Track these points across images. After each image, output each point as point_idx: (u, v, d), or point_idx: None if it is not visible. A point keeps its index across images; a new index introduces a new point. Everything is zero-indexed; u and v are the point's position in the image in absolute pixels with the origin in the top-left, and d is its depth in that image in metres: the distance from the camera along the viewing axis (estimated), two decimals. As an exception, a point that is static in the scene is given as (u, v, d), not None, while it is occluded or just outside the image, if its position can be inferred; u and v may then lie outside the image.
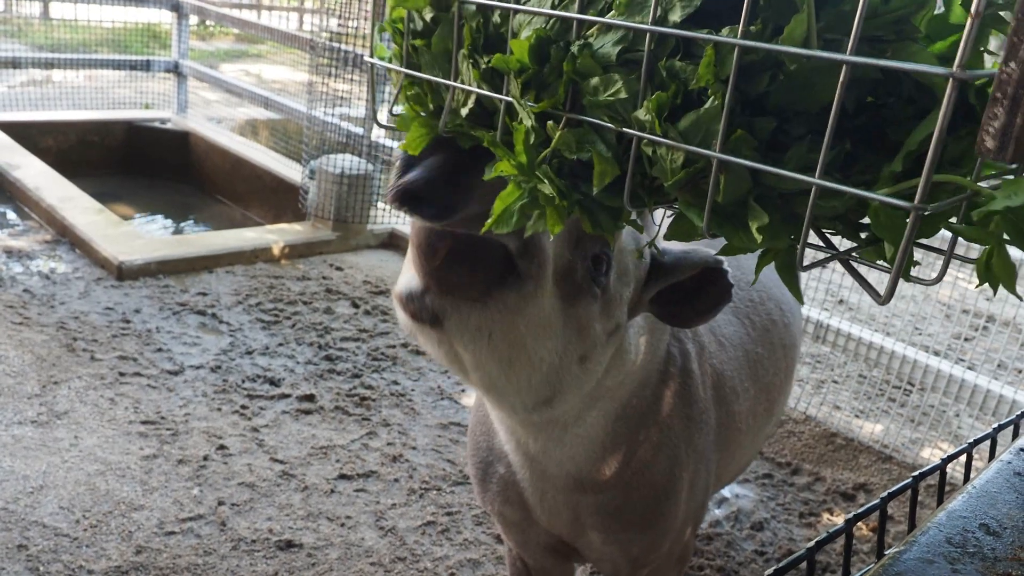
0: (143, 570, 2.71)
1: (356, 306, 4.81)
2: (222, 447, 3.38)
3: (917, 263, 0.68)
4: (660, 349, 1.61)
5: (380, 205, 6.00)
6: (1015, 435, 0.90)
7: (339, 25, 5.69)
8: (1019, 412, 0.89)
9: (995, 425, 0.82)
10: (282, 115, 7.34)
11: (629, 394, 1.56)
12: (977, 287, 0.64)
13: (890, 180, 0.62)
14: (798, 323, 2.37)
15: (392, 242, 5.89)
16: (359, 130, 5.98)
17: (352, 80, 5.72)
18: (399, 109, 0.94)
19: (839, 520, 3.40)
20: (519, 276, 1.12)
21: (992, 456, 0.85)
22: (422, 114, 0.87)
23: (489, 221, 0.78)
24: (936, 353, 4.48)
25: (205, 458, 3.30)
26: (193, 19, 9.26)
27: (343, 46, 5.67)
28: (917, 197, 0.57)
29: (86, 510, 2.94)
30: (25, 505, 2.92)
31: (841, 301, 5.44)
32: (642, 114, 0.67)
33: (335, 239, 5.62)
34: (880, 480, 3.70)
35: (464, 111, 0.81)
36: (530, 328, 1.17)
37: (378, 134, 6.00)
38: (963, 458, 0.84)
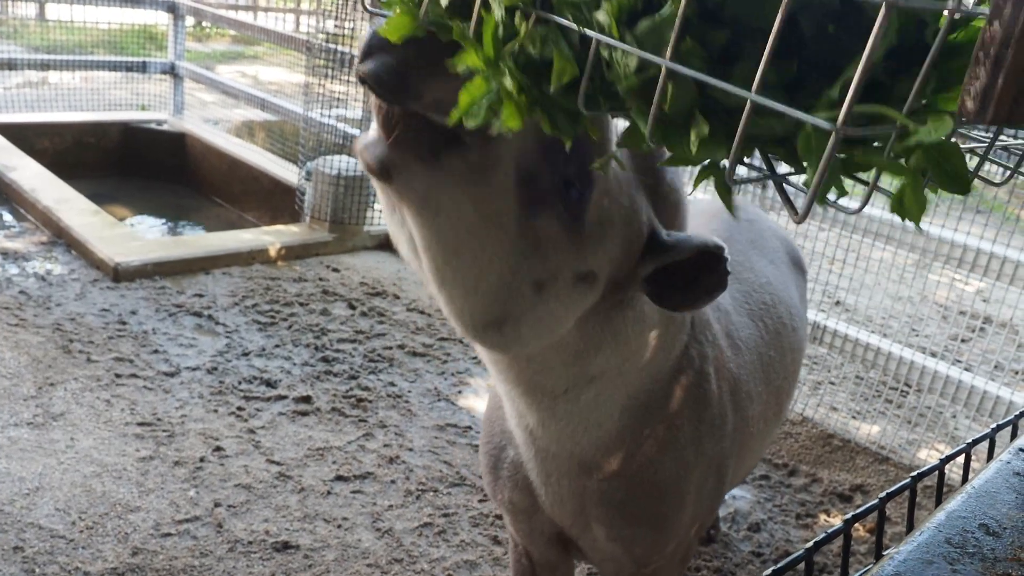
0: (139, 572, 2.70)
1: (353, 308, 4.81)
2: (218, 448, 3.37)
3: (845, 193, 0.68)
4: (675, 347, 1.58)
5: (377, 207, 5.99)
6: (1013, 435, 0.90)
7: (335, 26, 5.69)
8: (1017, 412, 0.89)
9: (993, 425, 0.82)
10: (278, 116, 7.34)
11: (637, 387, 1.55)
12: (891, 212, 0.64)
13: (827, 106, 0.61)
14: (804, 327, 2.37)
15: (389, 244, 5.89)
16: (356, 131, 5.97)
17: (349, 82, 5.71)
18: None
19: (836, 521, 3.41)
20: (464, 145, 1.08)
21: (991, 456, 0.85)
22: (406, 2, 0.87)
23: (455, 112, 0.78)
24: (933, 354, 4.48)
25: (201, 460, 3.29)
26: (189, 20, 9.26)
27: (339, 47, 5.67)
28: (839, 119, 0.56)
29: (82, 512, 2.94)
30: (21, 507, 2.91)
31: (838, 303, 5.44)
32: (601, 16, 0.67)
33: (332, 240, 5.61)
34: (877, 481, 3.70)
35: (445, 1, 0.80)
36: (477, 210, 1.12)
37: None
38: (961, 459, 0.84)
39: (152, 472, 3.19)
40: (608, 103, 0.73)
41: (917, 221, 0.63)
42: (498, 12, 0.73)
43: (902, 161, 0.63)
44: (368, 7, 0.97)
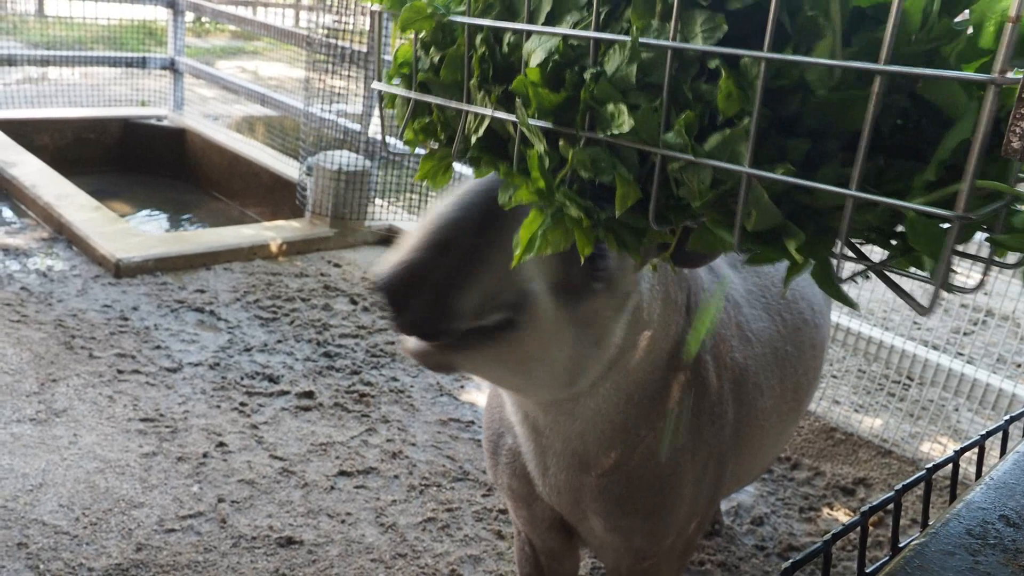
0: (143, 567, 2.70)
1: (354, 303, 4.80)
2: (221, 444, 3.37)
3: (955, 272, 0.68)
4: (672, 328, 1.58)
5: (378, 201, 5.99)
6: (1004, 441, 0.89)
7: (335, 21, 5.67)
8: (1007, 417, 0.89)
9: (1007, 417, 0.82)
10: (279, 112, 7.32)
11: (641, 375, 1.55)
12: None
13: (923, 190, 0.61)
14: (827, 324, 2.34)
15: (390, 238, 5.88)
16: (356, 126, 5.96)
17: (349, 77, 5.70)
18: (400, 143, 0.96)
19: (839, 515, 3.41)
20: (512, 325, 1.16)
21: (1004, 448, 0.85)
22: (434, 146, 0.87)
23: (518, 253, 0.79)
24: (935, 347, 4.48)
25: (204, 455, 3.29)
26: (189, 16, 9.24)
27: (339, 42, 5.65)
28: (958, 205, 0.56)
29: (86, 508, 2.93)
30: (24, 503, 2.91)
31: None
32: (671, 136, 0.66)
33: (333, 235, 5.61)
34: (880, 475, 3.70)
35: (475, 139, 0.81)
36: (539, 348, 1.22)
37: (375, 130, 5.98)
38: (972, 452, 0.83)
39: (155, 468, 3.19)
40: (678, 216, 0.72)
41: None
42: (540, 145, 0.73)
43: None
44: (392, 150, 0.98)
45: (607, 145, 0.70)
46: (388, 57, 1.03)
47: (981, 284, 0.66)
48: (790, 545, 3.18)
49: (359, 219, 5.72)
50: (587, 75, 0.68)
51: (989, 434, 0.78)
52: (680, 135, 0.64)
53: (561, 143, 0.72)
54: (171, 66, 8.12)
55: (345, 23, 5.63)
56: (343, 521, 3.03)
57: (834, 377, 4.50)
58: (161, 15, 8.65)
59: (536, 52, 0.71)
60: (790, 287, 2.10)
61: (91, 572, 2.66)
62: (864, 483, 3.63)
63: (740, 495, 3.44)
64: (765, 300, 2.00)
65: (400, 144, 0.96)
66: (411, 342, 1.17)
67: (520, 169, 0.76)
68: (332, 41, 5.65)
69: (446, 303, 0.98)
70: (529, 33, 0.74)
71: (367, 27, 5.76)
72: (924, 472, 0.72)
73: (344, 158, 5.64)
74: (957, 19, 0.63)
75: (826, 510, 3.43)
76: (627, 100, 0.68)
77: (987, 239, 0.64)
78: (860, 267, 0.70)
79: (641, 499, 1.66)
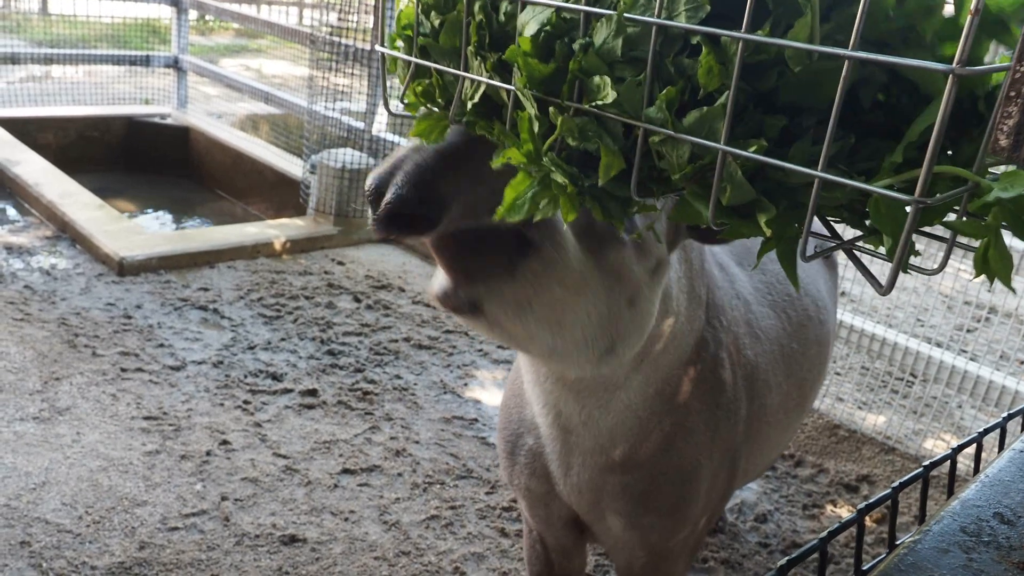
0: (146, 566, 2.71)
1: (358, 300, 4.81)
2: (225, 442, 3.38)
3: (918, 253, 0.68)
4: (696, 322, 1.60)
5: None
6: (1002, 438, 0.89)
7: (339, 19, 5.68)
8: (1005, 415, 0.89)
9: (1004, 415, 0.82)
10: (283, 110, 7.33)
11: (667, 370, 1.57)
12: (974, 279, 0.64)
13: (891, 171, 0.62)
14: (832, 321, 2.36)
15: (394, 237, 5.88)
16: (360, 124, 5.96)
17: (353, 75, 5.70)
18: (400, 105, 0.95)
19: (843, 512, 3.40)
20: (534, 245, 1.12)
21: (1002, 446, 0.85)
22: (432, 108, 0.88)
23: (500, 209, 0.79)
24: (939, 344, 4.47)
25: (208, 453, 3.30)
26: (193, 14, 9.25)
27: (343, 40, 5.66)
28: (917, 190, 0.57)
29: (89, 506, 2.94)
30: (27, 501, 2.92)
31: (843, 293, 5.43)
32: (653, 111, 0.67)
33: (337, 233, 5.61)
34: (883, 471, 3.69)
35: (470, 104, 0.81)
36: (566, 288, 1.18)
37: (379, 128, 5.98)
38: (971, 448, 0.83)
39: (159, 466, 3.20)
40: (659, 187, 0.73)
41: (1006, 280, 0.63)
42: (531, 109, 0.73)
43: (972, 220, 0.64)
44: (393, 111, 0.98)
45: (594, 116, 0.71)
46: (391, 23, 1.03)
47: (942, 266, 0.66)
48: (793, 542, 3.18)
49: (363, 217, 5.73)
50: (576, 46, 0.70)
51: (987, 431, 0.78)
52: (661, 110, 0.66)
53: (551, 110, 0.73)
54: (175, 64, 8.13)
55: (349, 21, 5.63)
56: (346, 519, 3.03)
57: (837, 374, 4.49)
58: (165, 13, 8.67)
59: (530, 23, 0.73)
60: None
61: (94, 571, 2.66)
62: (868, 480, 3.63)
63: (744, 492, 3.44)
64: (771, 297, 2.01)
65: (400, 107, 0.96)
66: (436, 284, 1.13)
67: (512, 131, 0.77)
68: (336, 39, 5.66)
69: (432, 185, 0.90)
70: (524, 4, 0.75)
71: (370, 25, 5.76)
72: (921, 469, 0.72)
73: (348, 156, 5.65)
74: None
75: (829, 507, 3.43)
76: (613, 73, 0.70)
77: (943, 223, 0.65)
78: (827, 245, 0.71)
79: (662, 496, 1.67)
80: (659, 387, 1.57)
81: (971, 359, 3.98)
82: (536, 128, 0.73)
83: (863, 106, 0.65)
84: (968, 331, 5.20)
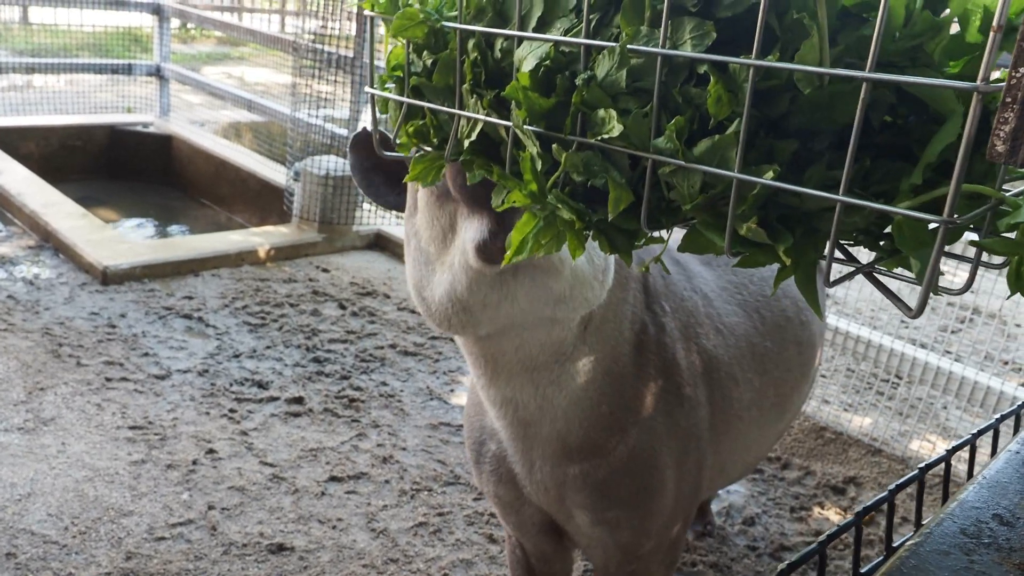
0: (133, 576, 2.68)
1: (343, 308, 4.79)
2: (211, 451, 3.35)
3: (942, 273, 0.68)
4: (629, 297, 1.64)
5: (366, 206, 5.97)
6: (1016, 426, 0.90)
7: (320, 27, 5.67)
8: (1020, 403, 0.89)
9: (997, 416, 0.82)
10: (266, 117, 7.31)
11: (609, 339, 1.60)
12: (1008, 297, 0.64)
13: (910, 193, 0.61)
14: (818, 322, 2.35)
15: (378, 243, 5.87)
16: (344, 131, 5.95)
17: (336, 82, 5.69)
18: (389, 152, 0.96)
19: (830, 514, 3.41)
20: None
21: (995, 447, 0.85)
22: (426, 148, 0.87)
23: (508, 253, 0.79)
24: (923, 346, 4.50)
25: (194, 462, 3.27)
26: (174, 23, 9.20)
27: (326, 47, 5.65)
28: (946, 211, 0.56)
29: (75, 517, 2.91)
30: (13, 513, 2.89)
31: (827, 295, 5.46)
32: (662, 141, 0.66)
33: (321, 241, 5.60)
34: (870, 473, 3.71)
35: (467, 143, 0.81)
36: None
37: (363, 135, 5.96)
38: (965, 451, 0.84)
39: (144, 476, 3.17)
40: (669, 218, 0.73)
41: None
42: (532, 148, 0.73)
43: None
44: (385, 153, 0.98)
45: (599, 149, 0.70)
46: (379, 62, 1.02)
47: (968, 285, 0.66)
48: (782, 545, 3.19)
49: (347, 224, 5.72)
50: (579, 80, 0.69)
51: (980, 433, 0.78)
52: (671, 140, 0.65)
53: (554, 147, 0.72)
54: (157, 72, 8.09)
55: (331, 28, 5.62)
56: (334, 527, 3.02)
57: (823, 376, 4.51)
58: (146, 22, 8.62)
59: (528, 58, 0.72)
60: (771, 285, 2.12)
61: (81, 582, 2.64)
62: (854, 482, 3.65)
63: (731, 496, 3.45)
64: (741, 297, 2.03)
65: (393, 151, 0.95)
66: (474, 237, 1.17)
67: (513, 172, 0.76)
68: (318, 46, 5.65)
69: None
70: (520, 39, 0.74)
71: (353, 32, 5.75)
72: (917, 472, 0.72)
73: (331, 163, 5.63)
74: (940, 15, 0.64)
75: (817, 509, 3.44)
76: (617, 105, 0.68)
77: (970, 243, 0.65)
78: (847, 270, 0.70)
79: (622, 486, 1.68)
80: (606, 366, 1.60)
81: (955, 360, 4.00)
82: (539, 166, 0.72)
83: (873, 127, 0.65)
84: (952, 332, 5.23)
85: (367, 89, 0.90)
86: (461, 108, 0.79)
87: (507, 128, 0.76)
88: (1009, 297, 0.63)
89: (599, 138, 0.68)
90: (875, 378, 4.43)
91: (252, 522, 2.99)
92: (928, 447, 3.91)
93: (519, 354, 1.54)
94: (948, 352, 4.89)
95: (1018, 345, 5.32)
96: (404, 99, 0.84)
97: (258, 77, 12.51)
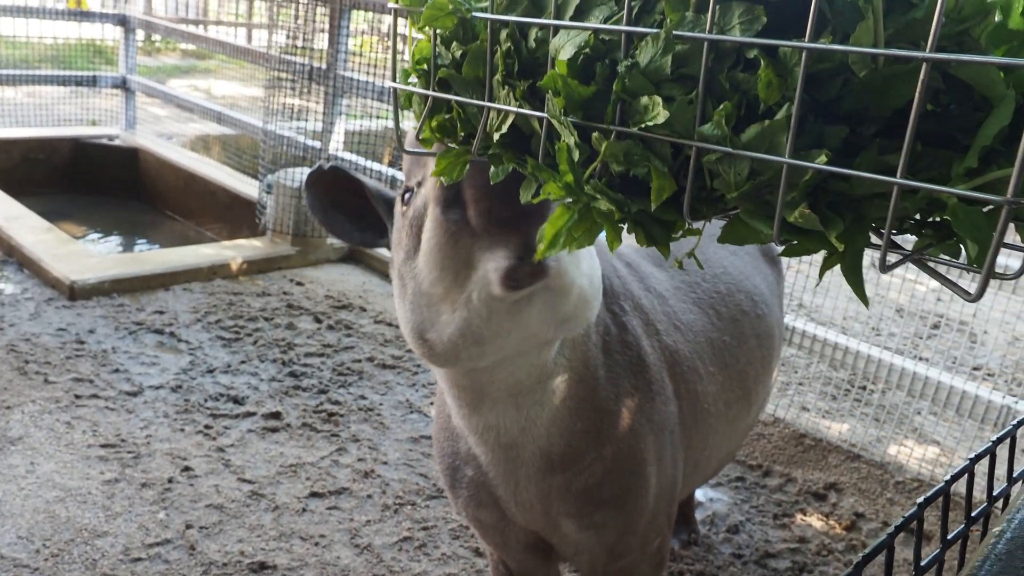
0: (110, 599, 2.61)
1: (319, 321, 4.73)
2: (187, 468, 3.28)
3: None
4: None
5: (339, 218, 5.91)
6: (1012, 447, 0.89)
7: (288, 39, 5.62)
8: (1015, 422, 0.89)
9: (994, 438, 0.81)
10: (235, 130, 7.22)
11: (580, 344, 1.61)
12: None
13: (963, 177, 0.60)
14: (775, 314, 2.40)
15: (353, 256, 5.81)
16: (317, 143, 5.90)
17: (308, 94, 5.65)
18: (414, 140, 0.93)
19: (813, 520, 3.42)
20: None
21: (1012, 453, 0.84)
22: (451, 144, 0.85)
23: (542, 247, 0.78)
24: (898, 352, 4.55)
25: (170, 480, 3.20)
26: (140, 34, 9.09)
27: (298, 59, 5.60)
28: (1010, 191, 0.55)
29: (46, 539, 2.83)
30: (-19, 536, 2.80)
31: (801, 304, 5.50)
32: (708, 128, 0.64)
33: (295, 254, 5.53)
34: (850, 479, 3.73)
35: (497, 136, 0.78)
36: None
37: (336, 147, 5.92)
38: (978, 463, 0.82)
39: (118, 495, 3.09)
40: (710, 209, 0.71)
41: None
42: (569, 138, 0.71)
43: None
44: (408, 149, 0.96)
45: (638, 138, 0.68)
46: (392, 58, 1.00)
47: (1023, 270, 0.64)
48: (767, 552, 3.19)
49: (321, 237, 5.66)
50: (621, 67, 0.66)
51: (978, 457, 0.77)
52: (719, 126, 0.63)
53: (594, 136, 0.70)
54: (123, 84, 7.97)
55: (304, 40, 5.58)
56: (317, 544, 2.96)
57: (801, 384, 4.54)
58: (111, 34, 8.50)
59: (565, 47, 0.70)
60: (725, 281, 2.20)
61: (55, 605, 2.55)
62: (835, 488, 3.66)
63: (715, 504, 3.44)
64: (695, 295, 2.08)
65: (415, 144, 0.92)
66: (498, 265, 1.20)
67: (546, 163, 0.74)
68: (291, 58, 5.60)
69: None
70: (557, 28, 0.72)
71: (325, 44, 5.71)
72: (943, 484, 0.71)
73: (305, 175, 5.57)
74: None
75: (800, 516, 3.44)
76: (660, 92, 0.67)
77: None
78: (895, 257, 0.69)
79: (607, 488, 1.68)
80: (580, 374, 1.61)
81: (929, 365, 4.04)
82: (576, 156, 0.70)
83: (920, 113, 0.64)
84: (922, 339, 5.30)
85: (389, 84, 0.88)
86: (491, 100, 0.77)
87: (540, 120, 0.73)
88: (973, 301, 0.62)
89: (642, 126, 0.66)
90: (852, 385, 4.46)
91: (232, 540, 2.92)
92: (905, 452, 3.94)
93: (508, 380, 1.54)
94: (922, 359, 4.94)
95: (987, 351, 5.40)
96: (430, 92, 0.82)
97: (226, 90, 12.39)
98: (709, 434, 2.01)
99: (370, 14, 6.19)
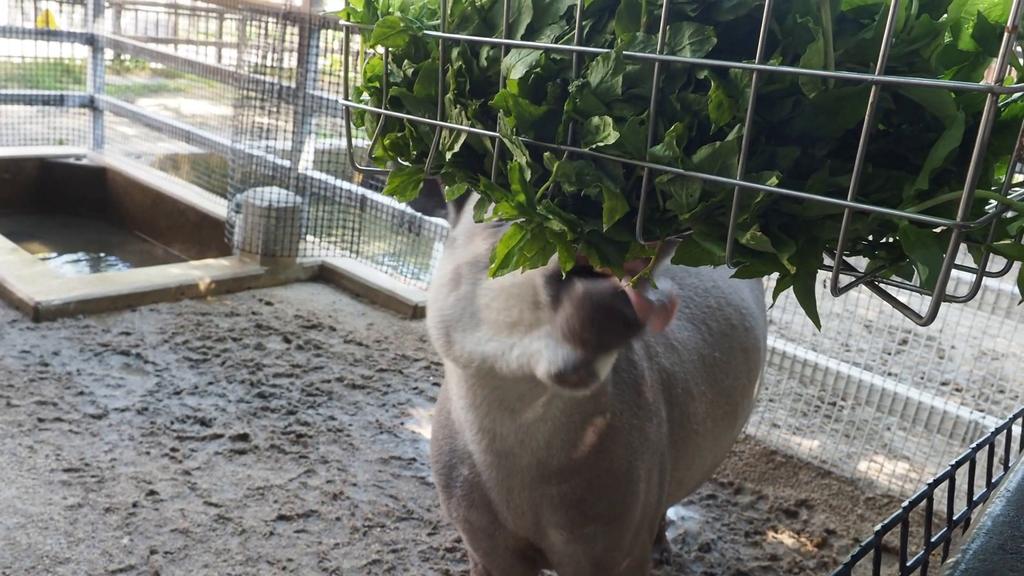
0: (70, 628, 2.54)
1: (288, 341, 4.69)
2: (152, 492, 3.22)
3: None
4: None
5: (309, 238, 5.88)
6: (971, 470, 0.89)
7: (259, 58, 5.60)
8: (992, 430, 0.89)
9: (972, 446, 0.81)
10: (204, 149, 7.17)
11: None
12: (1021, 303, 0.64)
13: (914, 199, 0.60)
14: (760, 327, 2.41)
15: (323, 275, 5.78)
16: (286, 162, 5.87)
17: (277, 112, 5.62)
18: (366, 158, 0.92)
19: (784, 537, 3.42)
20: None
21: (972, 476, 0.84)
22: (403, 162, 0.83)
23: (492, 267, 0.76)
24: (867, 368, 4.58)
25: (134, 505, 3.14)
26: (109, 54, 9.01)
27: (267, 78, 5.58)
28: (959, 214, 0.55)
29: (6, 567, 2.76)
30: (-63, 565, 2.72)
31: (771, 321, 5.54)
32: (660, 149, 0.64)
33: (264, 273, 5.48)
34: (821, 496, 3.74)
35: (449, 155, 0.77)
36: None
37: (305, 166, 5.90)
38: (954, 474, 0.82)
39: (81, 520, 3.03)
40: (663, 229, 0.70)
41: None
42: (521, 157, 0.70)
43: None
44: (359, 167, 0.95)
45: (591, 158, 0.68)
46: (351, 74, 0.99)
47: (974, 292, 0.64)
48: (738, 571, 3.18)
49: (290, 256, 5.61)
50: (572, 87, 0.66)
51: (958, 464, 0.77)
52: (671, 147, 0.63)
53: (546, 156, 0.69)
54: (91, 104, 7.89)
55: (274, 59, 5.56)
56: (284, 568, 2.91)
57: (771, 401, 4.56)
58: (79, 53, 8.42)
59: (517, 66, 0.69)
60: (715, 295, 2.19)
61: (13, 636, 2.49)
62: (806, 505, 3.67)
63: (686, 523, 3.43)
64: (689, 311, 2.08)
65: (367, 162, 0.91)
66: (556, 363, 1.19)
67: (499, 183, 0.73)
68: (260, 77, 5.58)
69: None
70: (508, 47, 0.71)
71: (295, 64, 5.70)
72: (926, 488, 0.71)
73: (274, 194, 5.54)
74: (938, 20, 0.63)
75: (771, 533, 3.44)
76: (612, 112, 0.66)
77: (984, 247, 0.64)
78: (847, 279, 0.69)
79: (600, 503, 1.69)
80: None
81: (897, 381, 4.08)
82: (528, 176, 0.69)
83: (872, 135, 0.64)
84: (891, 354, 5.35)
85: (342, 101, 0.87)
86: (443, 119, 0.76)
87: (492, 139, 0.72)
88: (1021, 303, 0.63)
89: (593, 146, 0.66)
90: (822, 401, 4.49)
91: (197, 566, 2.87)
92: (875, 468, 3.96)
93: (518, 388, 1.53)
94: (891, 374, 4.98)
95: (955, 366, 5.46)
96: (382, 111, 0.81)
97: (195, 109, 12.32)
98: (695, 453, 2.02)
99: (340, 33, 6.19)
